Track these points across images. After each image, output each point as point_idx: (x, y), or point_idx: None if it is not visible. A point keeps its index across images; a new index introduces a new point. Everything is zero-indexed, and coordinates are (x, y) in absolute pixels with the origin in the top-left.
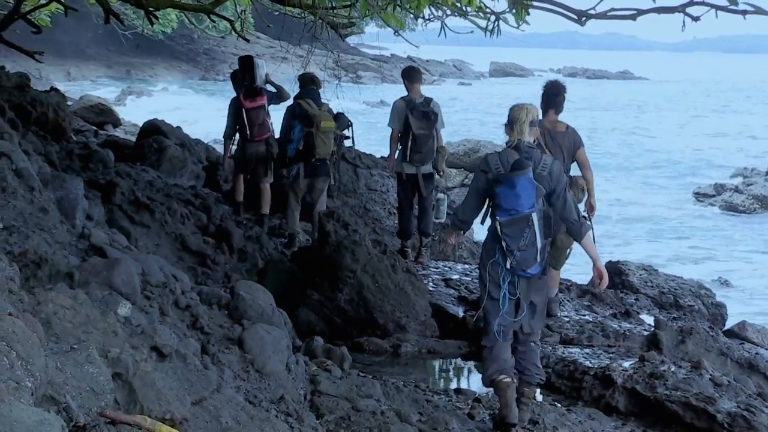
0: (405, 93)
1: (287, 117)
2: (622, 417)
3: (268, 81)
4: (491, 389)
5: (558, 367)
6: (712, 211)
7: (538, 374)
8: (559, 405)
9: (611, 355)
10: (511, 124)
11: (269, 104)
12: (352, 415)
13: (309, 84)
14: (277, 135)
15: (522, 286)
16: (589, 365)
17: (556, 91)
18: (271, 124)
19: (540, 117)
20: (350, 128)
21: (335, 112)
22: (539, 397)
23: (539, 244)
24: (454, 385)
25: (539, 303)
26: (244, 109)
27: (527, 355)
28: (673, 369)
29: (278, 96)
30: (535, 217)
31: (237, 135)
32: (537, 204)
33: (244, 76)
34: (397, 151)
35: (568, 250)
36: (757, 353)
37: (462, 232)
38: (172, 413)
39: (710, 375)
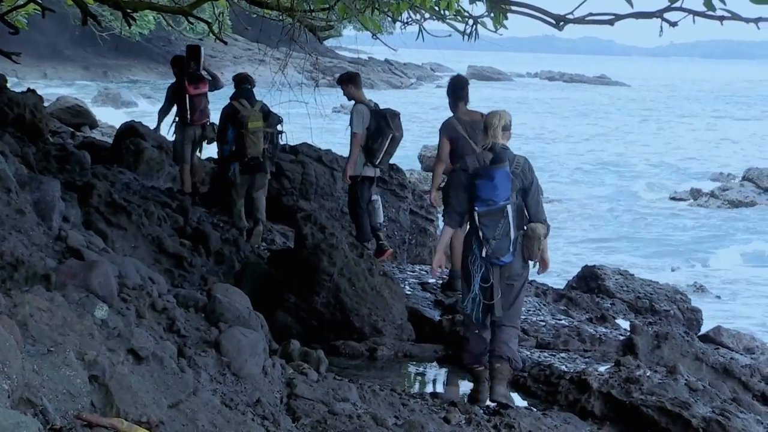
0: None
1: (222, 118)
2: (598, 421)
3: (204, 68)
4: (467, 393)
5: (534, 372)
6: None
7: (508, 351)
8: (534, 409)
9: (587, 359)
10: (485, 129)
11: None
12: (329, 419)
13: (243, 83)
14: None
15: (496, 274)
16: (565, 370)
17: (461, 85)
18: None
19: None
20: (281, 124)
21: (268, 109)
22: (516, 401)
23: (512, 235)
24: (430, 389)
25: (515, 290)
26: (187, 95)
27: (499, 335)
28: (648, 374)
29: (214, 84)
30: (509, 209)
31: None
32: (512, 197)
33: (190, 63)
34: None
35: (542, 239)
36: (732, 358)
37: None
38: (149, 416)
39: (685, 380)
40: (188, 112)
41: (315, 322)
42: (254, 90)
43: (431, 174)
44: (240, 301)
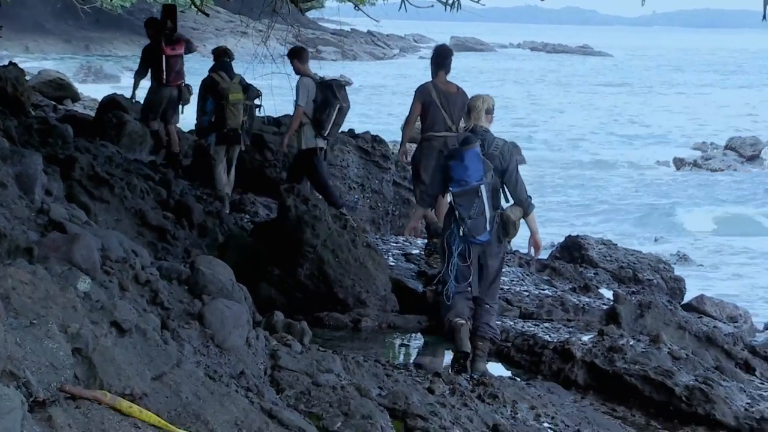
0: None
1: (201, 90)
2: (582, 391)
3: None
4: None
5: (517, 342)
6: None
7: (490, 331)
8: (518, 379)
9: (570, 329)
10: (469, 112)
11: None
12: (313, 390)
13: (222, 56)
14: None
15: (474, 252)
16: (549, 339)
17: (445, 54)
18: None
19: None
20: (260, 98)
21: (246, 83)
22: (500, 371)
23: (488, 214)
24: (414, 360)
25: (493, 268)
26: (164, 56)
27: (481, 315)
28: (631, 343)
29: (188, 47)
30: (483, 189)
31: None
32: (485, 177)
33: (166, 22)
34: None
35: (517, 221)
36: (714, 327)
37: (431, 209)
38: (132, 388)
39: (668, 348)
40: (164, 73)
41: (299, 294)
42: (236, 62)
43: (413, 144)
44: (223, 273)
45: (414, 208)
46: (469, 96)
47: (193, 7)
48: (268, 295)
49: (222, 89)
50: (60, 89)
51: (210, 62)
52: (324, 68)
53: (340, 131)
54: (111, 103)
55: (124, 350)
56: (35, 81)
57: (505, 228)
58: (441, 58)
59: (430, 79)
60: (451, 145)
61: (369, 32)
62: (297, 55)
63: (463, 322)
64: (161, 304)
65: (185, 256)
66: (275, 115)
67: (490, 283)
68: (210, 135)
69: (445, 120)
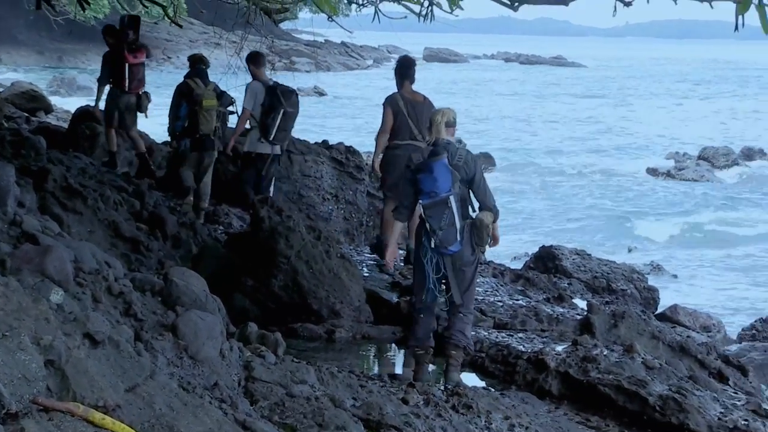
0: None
1: (175, 96)
2: (556, 401)
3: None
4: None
5: (491, 352)
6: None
7: (464, 340)
8: (492, 389)
9: (544, 339)
10: (430, 126)
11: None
12: (287, 401)
13: (198, 63)
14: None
15: (447, 263)
16: (523, 349)
17: (409, 65)
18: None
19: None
20: (233, 105)
21: (220, 90)
22: (474, 381)
23: (458, 224)
24: (388, 371)
25: (467, 277)
26: (127, 64)
27: (455, 323)
28: (605, 353)
29: (146, 52)
30: (452, 199)
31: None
32: (453, 188)
33: (129, 33)
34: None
35: (489, 225)
36: (688, 336)
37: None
38: (105, 400)
39: (642, 358)
40: (126, 80)
41: (273, 305)
42: (210, 73)
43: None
44: (197, 284)
45: (385, 224)
46: (436, 106)
47: (166, 18)
48: (242, 306)
49: (196, 95)
50: (33, 101)
51: (183, 73)
52: (298, 79)
53: (289, 136)
54: (84, 114)
55: (97, 362)
56: (8, 93)
57: (479, 234)
58: (405, 68)
59: (396, 90)
60: (415, 154)
61: (343, 43)
62: (252, 60)
63: (423, 352)
64: (134, 316)
65: (159, 267)
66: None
67: (464, 291)
68: (183, 140)
69: (411, 129)
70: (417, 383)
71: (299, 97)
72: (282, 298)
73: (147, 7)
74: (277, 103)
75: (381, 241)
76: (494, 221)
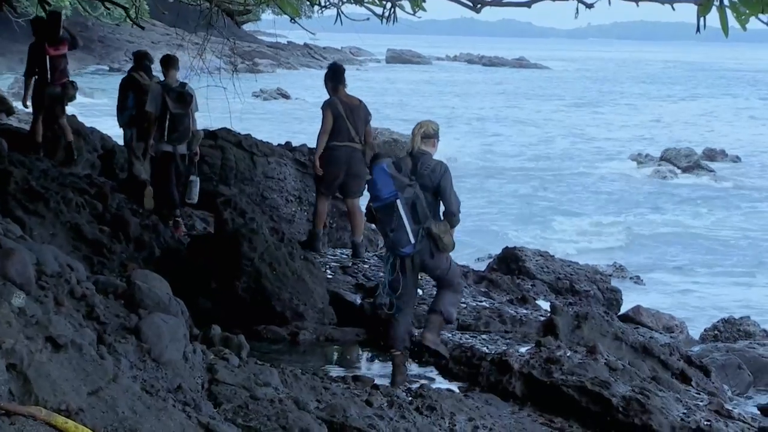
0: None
1: (122, 88)
2: (519, 402)
3: (64, 27)
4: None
5: (455, 353)
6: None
7: (442, 306)
8: (456, 391)
9: (508, 340)
10: (412, 137)
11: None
12: (250, 404)
13: (143, 60)
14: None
15: (406, 263)
16: (486, 351)
17: (341, 71)
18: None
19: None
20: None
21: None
22: (438, 383)
23: (408, 227)
24: (352, 373)
25: (441, 273)
26: (48, 56)
27: (439, 294)
28: (568, 354)
29: (73, 43)
30: (399, 203)
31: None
32: (403, 193)
33: (51, 29)
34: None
35: (441, 234)
36: (651, 337)
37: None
38: (68, 404)
39: (605, 359)
40: (48, 72)
41: (236, 307)
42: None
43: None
44: (160, 287)
45: (318, 218)
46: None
47: (128, 20)
48: (206, 308)
49: (145, 86)
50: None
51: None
52: (260, 82)
53: (188, 136)
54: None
55: (59, 365)
56: None
57: (436, 243)
58: (338, 74)
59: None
60: (349, 155)
61: (306, 45)
62: (162, 63)
63: (399, 353)
64: (97, 319)
65: (121, 270)
66: (211, 128)
67: (444, 276)
68: (130, 130)
69: (350, 131)
70: (382, 386)
71: (271, 99)
72: (245, 300)
73: (109, 9)
74: (165, 106)
75: (312, 234)
76: (450, 228)
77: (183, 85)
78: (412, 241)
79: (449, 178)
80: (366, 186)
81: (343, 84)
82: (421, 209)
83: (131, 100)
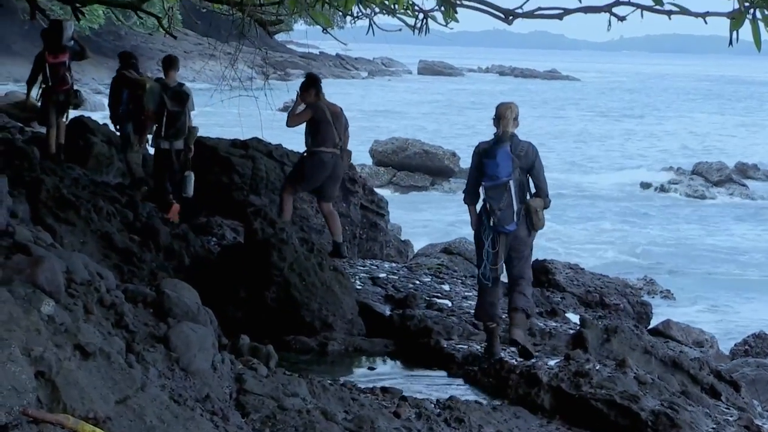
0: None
1: (113, 85)
2: (548, 415)
3: (74, 38)
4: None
5: (484, 366)
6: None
7: (524, 302)
8: (484, 403)
9: (537, 353)
10: (498, 119)
11: (72, 60)
12: (278, 414)
13: (129, 59)
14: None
15: (503, 241)
16: (515, 363)
17: (319, 79)
18: (71, 77)
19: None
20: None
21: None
22: (466, 395)
23: (515, 206)
24: (380, 384)
25: (525, 253)
26: (47, 64)
27: (517, 289)
28: (598, 367)
29: (81, 54)
30: (511, 184)
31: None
32: (513, 174)
33: (53, 35)
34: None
35: (540, 209)
36: (681, 351)
37: (474, 205)
38: (96, 412)
39: (634, 373)
40: (49, 80)
41: (265, 317)
42: (203, 84)
43: (381, 168)
44: (189, 296)
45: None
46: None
47: (160, 29)
48: (235, 318)
49: (134, 81)
50: (26, 111)
51: (176, 83)
52: (291, 92)
53: (185, 133)
54: (78, 125)
55: (87, 373)
56: (2, 102)
57: (532, 218)
58: (318, 82)
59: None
60: (335, 162)
61: (337, 55)
62: (162, 64)
63: (495, 325)
64: (126, 327)
65: (151, 278)
66: (243, 138)
67: (523, 264)
68: (126, 124)
69: (335, 138)
70: (410, 398)
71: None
72: (274, 310)
73: (142, 18)
74: (162, 104)
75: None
76: (547, 207)
77: (180, 84)
78: (515, 219)
79: (540, 160)
80: (486, 166)
81: (322, 92)
82: (523, 190)
83: (126, 95)
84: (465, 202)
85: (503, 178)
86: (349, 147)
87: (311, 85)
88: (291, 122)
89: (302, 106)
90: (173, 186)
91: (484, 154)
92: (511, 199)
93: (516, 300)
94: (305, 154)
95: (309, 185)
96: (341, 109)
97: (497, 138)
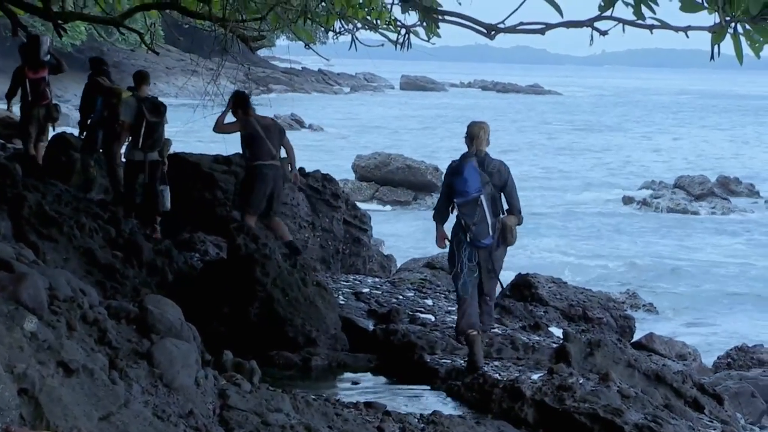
0: None
1: (87, 91)
2: (531, 429)
3: (50, 53)
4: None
5: (467, 380)
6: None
7: (490, 324)
8: (468, 418)
9: (520, 367)
10: (471, 138)
11: (49, 74)
12: (262, 430)
13: (101, 65)
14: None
15: (480, 255)
16: (498, 378)
17: (247, 95)
18: (51, 92)
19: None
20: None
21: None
22: (450, 409)
23: (489, 220)
24: (364, 399)
25: (496, 269)
26: (27, 79)
27: (484, 309)
28: (581, 381)
29: (57, 67)
30: (483, 198)
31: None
32: (484, 189)
33: (30, 51)
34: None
35: (513, 227)
36: (664, 365)
37: (443, 224)
38: (79, 429)
39: (618, 387)
40: (29, 95)
41: (248, 333)
42: (186, 100)
43: (364, 183)
44: (172, 312)
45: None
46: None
47: (143, 45)
48: (218, 333)
49: (112, 88)
50: (9, 127)
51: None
52: (274, 107)
53: (161, 144)
54: (60, 141)
55: (71, 390)
56: None
57: (504, 234)
58: (246, 98)
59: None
60: (276, 174)
61: (320, 71)
62: (134, 78)
63: (476, 333)
64: (109, 344)
65: (134, 295)
66: (225, 154)
67: (492, 282)
68: (98, 131)
69: (270, 150)
70: (393, 413)
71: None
72: (258, 325)
73: (124, 35)
74: (141, 115)
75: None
76: (520, 224)
77: (155, 98)
78: (491, 233)
79: (512, 178)
80: (455, 184)
81: (251, 107)
82: (496, 205)
83: (99, 102)
84: (434, 219)
85: (473, 194)
86: (332, 162)
87: (237, 105)
88: (218, 129)
89: (231, 117)
90: (142, 197)
91: (451, 172)
92: (484, 213)
93: (484, 321)
94: (245, 170)
95: (258, 199)
96: (273, 120)
97: (464, 155)
